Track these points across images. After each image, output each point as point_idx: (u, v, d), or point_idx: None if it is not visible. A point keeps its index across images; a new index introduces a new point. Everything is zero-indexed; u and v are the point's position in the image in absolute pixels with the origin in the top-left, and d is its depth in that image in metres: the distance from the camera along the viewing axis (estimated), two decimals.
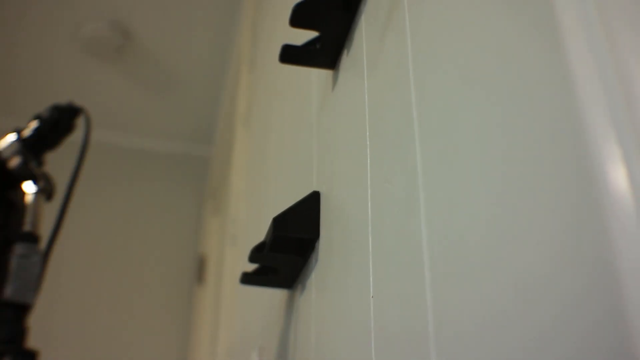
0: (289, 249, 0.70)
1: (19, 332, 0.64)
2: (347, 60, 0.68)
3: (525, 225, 0.28)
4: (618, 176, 0.22)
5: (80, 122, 0.82)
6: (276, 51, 1.23)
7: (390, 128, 0.50)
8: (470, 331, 0.32)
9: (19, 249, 0.67)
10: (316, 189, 0.71)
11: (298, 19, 0.67)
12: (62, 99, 2.56)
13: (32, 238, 0.69)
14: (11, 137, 0.77)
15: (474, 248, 0.33)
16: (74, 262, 2.65)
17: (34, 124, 0.78)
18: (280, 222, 0.68)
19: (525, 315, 0.27)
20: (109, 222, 2.71)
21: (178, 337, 2.61)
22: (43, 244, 0.71)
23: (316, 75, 0.81)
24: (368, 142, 0.55)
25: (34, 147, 0.77)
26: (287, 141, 0.92)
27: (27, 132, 0.78)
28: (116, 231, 2.70)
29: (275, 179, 0.96)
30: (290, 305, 0.77)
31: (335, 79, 0.71)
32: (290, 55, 0.71)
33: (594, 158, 0.24)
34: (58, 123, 0.79)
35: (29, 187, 0.74)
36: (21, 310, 0.65)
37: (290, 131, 0.92)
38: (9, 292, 0.65)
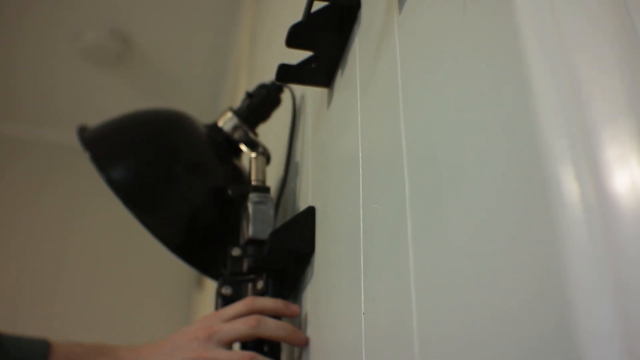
0: (285, 262, 0.72)
1: (263, 259, 0.75)
2: (341, 80, 0.70)
3: (497, 258, 0.30)
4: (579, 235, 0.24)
5: (284, 97, 0.94)
6: (274, 60, 1.25)
7: (380, 152, 0.52)
8: (450, 351, 0.34)
9: (253, 197, 0.79)
10: (312, 204, 0.73)
11: (294, 40, 0.69)
12: (64, 105, 2.60)
13: (263, 189, 0.81)
14: (229, 114, 0.89)
15: (455, 274, 0.35)
16: (74, 266, 2.67)
17: (247, 101, 0.90)
18: (278, 236, 0.70)
19: (500, 343, 0.29)
20: (109, 227, 2.73)
21: (181, 319, 2.63)
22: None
23: (312, 91, 0.83)
24: (360, 163, 0.58)
25: (249, 120, 0.89)
26: (284, 152, 0.94)
27: (242, 109, 0.90)
28: (116, 236, 2.72)
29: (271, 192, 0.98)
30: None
31: (330, 97, 0.74)
32: (286, 74, 0.73)
33: (552, 195, 0.26)
34: (267, 98, 0.90)
35: (250, 153, 0.87)
36: (262, 245, 0.76)
37: (286, 143, 0.94)
38: (251, 231, 0.77)
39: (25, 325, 2.53)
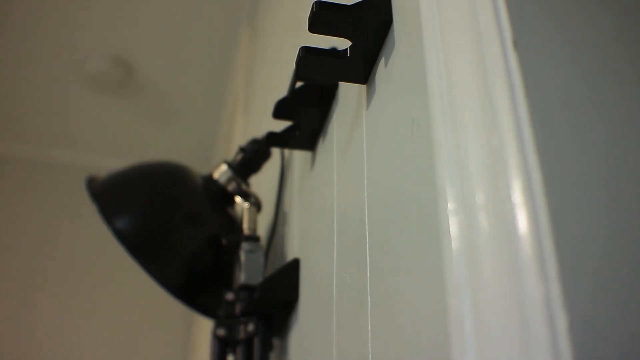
0: (273, 308, 0.82)
1: (254, 304, 0.83)
2: (322, 146, 0.79)
3: (419, 337, 0.40)
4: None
5: (274, 150, 1.04)
6: (266, 92, 1.32)
7: (349, 226, 0.62)
8: None
9: (245, 246, 0.89)
10: (298, 254, 0.83)
11: (280, 113, 0.79)
12: (69, 131, 2.68)
13: (254, 238, 0.90)
14: (224, 167, 0.99)
15: (401, 344, 0.44)
16: (75, 275, 2.74)
17: (240, 155, 1.00)
18: (266, 286, 0.80)
19: None
20: (110, 246, 2.80)
21: (177, 352, 2.71)
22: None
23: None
24: (335, 231, 0.67)
25: (242, 173, 0.99)
26: (274, 199, 1.04)
27: (235, 162, 1.00)
28: (117, 255, 2.79)
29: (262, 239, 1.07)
30: (275, 352, 0.88)
31: (313, 159, 0.83)
32: (274, 140, 0.83)
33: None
34: (257, 152, 1.00)
35: (243, 203, 0.96)
36: (253, 290, 0.85)
37: (276, 192, 1.03)
38: (243, 278, 0.86)
39: (21, 345, 2.60)
